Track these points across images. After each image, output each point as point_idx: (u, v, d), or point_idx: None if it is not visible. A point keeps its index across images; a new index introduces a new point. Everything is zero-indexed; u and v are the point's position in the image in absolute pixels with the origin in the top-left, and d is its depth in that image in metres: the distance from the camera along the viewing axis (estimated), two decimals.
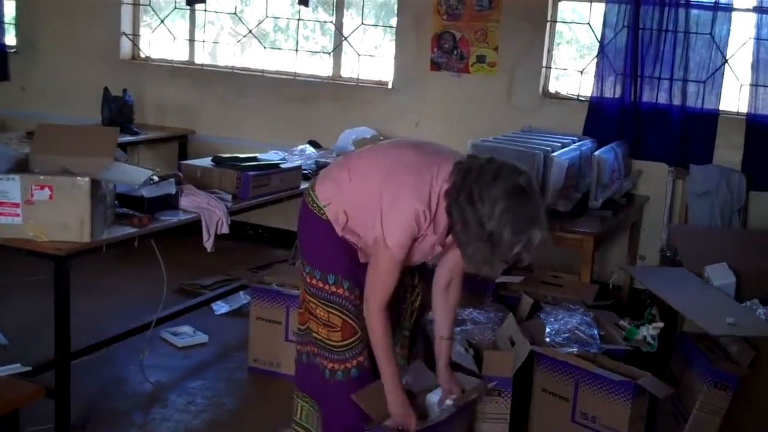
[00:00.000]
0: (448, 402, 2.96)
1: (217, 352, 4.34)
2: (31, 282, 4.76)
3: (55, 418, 3.30)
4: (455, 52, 5.67)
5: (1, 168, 3.32)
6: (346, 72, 6.15)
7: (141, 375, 3.93)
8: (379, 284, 2.72)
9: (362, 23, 6.11)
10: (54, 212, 3.20)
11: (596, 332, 3.56)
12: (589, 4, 5.45)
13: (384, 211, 2.68)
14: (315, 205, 2.85)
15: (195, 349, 4.33)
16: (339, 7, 6.11)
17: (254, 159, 4.40)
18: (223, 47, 6.60)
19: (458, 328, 3.56)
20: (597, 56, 5.30)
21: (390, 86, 5.94)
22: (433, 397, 3.00)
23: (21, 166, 3.43)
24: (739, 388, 3.43)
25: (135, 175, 3.59)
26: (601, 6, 5.29)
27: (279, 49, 6.47)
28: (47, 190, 3.21)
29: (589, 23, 5.46)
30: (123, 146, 5.67)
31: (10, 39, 7.00)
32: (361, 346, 2.83)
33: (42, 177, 3.22)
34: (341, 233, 2.80)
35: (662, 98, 5.16)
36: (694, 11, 5.06)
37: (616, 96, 5.26)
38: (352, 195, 2.78)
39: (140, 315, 4.15)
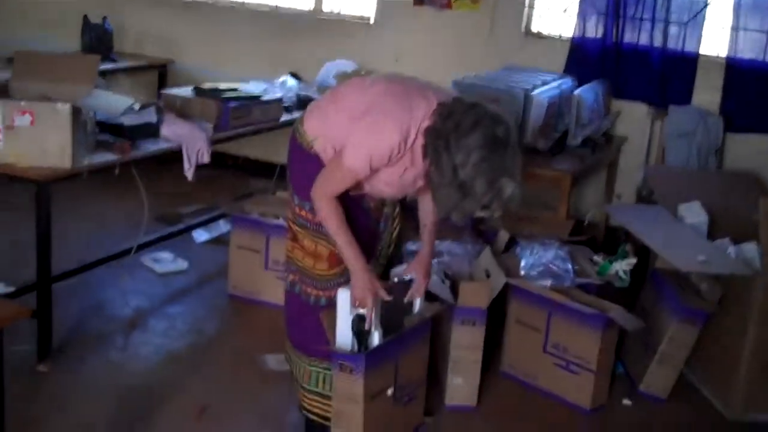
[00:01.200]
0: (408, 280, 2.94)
1: (197, 279, 4.39)
2: (12, 207, 4.77)
3: (37, 338, 3.36)
4: None
5: None
6: (327, 6, 6.10)
7: (122, 300, 3.99)
8: (328, 185, 2.72)
9: None
10: (35, 138, 3.21)
11: (570, 266, 3.63)
12: None
13: (361, 132, 2.67)
14: (303, 139, 2.87)
15: (175, 275, 4.37)
16: None
17: (235, 90, 4.40)
18: None
19: (436, 260, 3.62)
20: None
21: (372, 21, 5.91)
22: (398, 269, 3.00)
23: (1, 92, 3.43)
24: (707, 324, 3.54)
25: (116, 103, 3.60)
26: None
27: None
28: (28, 116, 3.21)
29: None
30: (102, 74, 5.63)
31: None
32: (346, 276, 2.87)
33: (23, 103, 3.23)
34: None
35: (643, 39, 5.18)
36: None
37: (598, 36, 5.27)
38: (339, 129, 2.79)
39: (122, 241, 4.18)
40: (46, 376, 3.32)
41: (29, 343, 3.36)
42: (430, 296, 3.16)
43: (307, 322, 2.93)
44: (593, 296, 3.51)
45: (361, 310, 2.77)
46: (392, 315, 2.92)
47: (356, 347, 2.79)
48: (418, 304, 3.03)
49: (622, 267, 3.73)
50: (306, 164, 2.85)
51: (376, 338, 2.83)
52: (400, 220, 3.14)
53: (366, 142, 2.67)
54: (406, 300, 2.98)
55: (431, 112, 2.65)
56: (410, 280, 2.99)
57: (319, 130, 2.84)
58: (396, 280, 3.01)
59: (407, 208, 3.12)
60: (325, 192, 2.73)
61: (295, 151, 2.92)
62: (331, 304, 2.86)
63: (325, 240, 2.86)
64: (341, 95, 2.91)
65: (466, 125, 2.53)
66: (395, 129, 2.63)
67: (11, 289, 2.68)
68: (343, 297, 2.79)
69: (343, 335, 2.81)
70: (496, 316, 3.60)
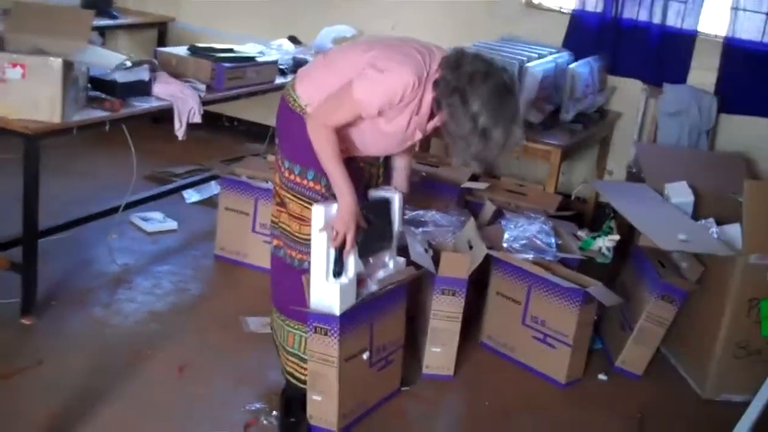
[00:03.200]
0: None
1: (185, 239, 4.42)
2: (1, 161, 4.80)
3: (22, 292, 3.40)
4: None
5: None
6: None
7: (109, 257, 4.02)
8: (331, 114, 2.73)
9: None
10: (26, 91, 3.22)
11: (553, 241, 3.66)
12: None
13: (374, 71, 2.67)
14: (296, 104, 2.88)
15: (164, 235, 4.41)
16: None
17: (231, 51, 4.39)
18: None
19: (420, 229, 3.66)
20: None
21: None
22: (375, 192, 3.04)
23: None
24: (685, 303, 3.57)
25: (108, 59, 3.60)
26: None
27: None
28: (20, 68, 3.22)
29: None
30: (101, 30, 5.64)
31: None
32: None
33: (15, 55, 3.23)
34: None
35: (643, 15, 5.15)
36: None
37: (598, 10, 5.23)
38: (333, 92, 2.81)
39: (111, 199, 4.19)
40: (29, 329, 3.37)
41: (14, 296, 3.40)
42: (410, 263, 3.20)
43: (290, 284, 2.97)
44: (574, 271, 3.55)
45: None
46: (375, 237, 2.96)
47: (333, 269, 2.82)
48: (397, 222, 3.05)
49: (605, 243, 3.77)
50: (298, 128, 2.86)
51: (351, 264, 2.87)
52: (384, 180, 3.17)
53: (380, 78, 2.68)
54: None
55: (438, 64, 2.70)
56: (386, 200, 3.04)
57: (313, 94, 2.85)
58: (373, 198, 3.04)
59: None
60: (325, 121, 2.75)
61: (286, 115, 2.94)
62: None
63: (312, 204, 2.88)
64: (334, 57, 2.93)
65: (480, 75, 2.62)
66: (410, 71, 2.67)
67: None
68: (317, 212, 2.79)
69: (319, 254, 2.82)
70: (478, 288, 3.64)
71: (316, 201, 2.85)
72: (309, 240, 2.87)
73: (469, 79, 2.61)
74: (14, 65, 3.22)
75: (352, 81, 2.70)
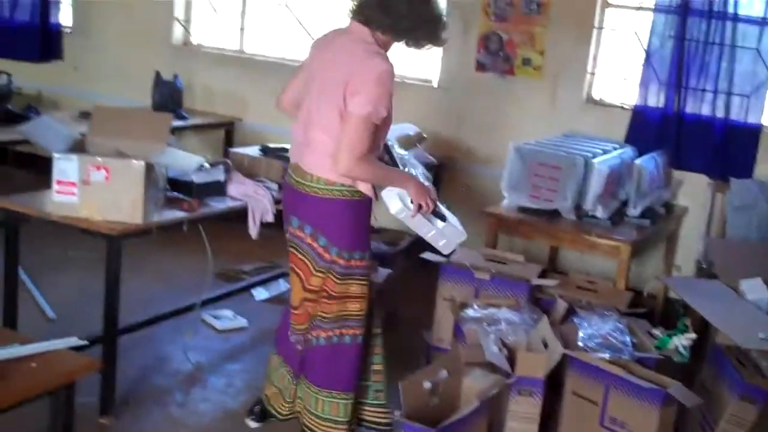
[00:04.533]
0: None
1: (255, 336, 4.45)
2: (77, 259, 4.92)
3: (101, 391, 3.44)
4: (501, 54, 5.72)
5: (60, 148, 3.46)
6: None
7: (183, 355, 4.06)
8: (355, 146, 2.95)
9: None
10: (109, 193, 3.32)
11: (629, 339, 3.61)
12: (636, 12, 5.48)
13: (356, 87, 2.95)
14: (327, 190, 3.04)
15: (234, 332, 4.45)
16: None
17: None
18: (272, 37, 6.69)
19: (493, 327, 3.64)
20: (642, 65, 5.33)
21: (435, 84, 6.01)
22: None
23: (79, 147, 3.56)
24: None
25: (188, 161, 3.71)
26: (649, 15, 5.32)
27: None
28: (103, 171, 3.33)
29: (635, 32, 5.48)
30: (172, 130, 5.80)
31: (67, 19, 7.16)
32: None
33: (99, 159, 3.35)
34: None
35: (705, 110, 5.19)
36: (741, 24, 5.06)
37: (660, 105, 5.28)
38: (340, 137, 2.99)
39: (183, 297, 4.27)
40: (107, 429, 3.40)
41: (93, 395, 3.43)
42: (487, 365, 3.20)
43: (345, 362, 3.24)
44: (652, 370, 3.49)
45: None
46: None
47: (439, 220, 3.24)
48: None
49: (681, 342, 3.71)
50: (343, 214, 3.06)
51: (451, 219, 3.28)
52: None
53: (365, 85, 2.96)
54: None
55: (369, 34, 3.07)
56: None
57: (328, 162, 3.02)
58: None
59: None
60: (355, 156, 2.95)
61: (324, 206, 3.07)
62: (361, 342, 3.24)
63: (367, 280, 3.15)
64: (312, 125, 3.11)
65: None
66: (381, 60, 3.00)
67: (84, 342, 2.75)
68: (394, 202, 3.12)
69: (421, 223, 3.21)
70: (551, 388, 3.59)
71: (363, 276, 3.08)
72: (363, 314, 3.18)
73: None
74: (98, 168, 3.33)
75: (348, 110, 2.96)
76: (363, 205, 3.15)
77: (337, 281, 3.11)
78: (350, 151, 2.94)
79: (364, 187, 3.10)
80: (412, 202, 3.14)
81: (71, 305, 4.42)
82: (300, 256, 3.16)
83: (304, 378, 3.30)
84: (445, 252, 3.40)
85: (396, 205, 3.12)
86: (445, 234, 3.27)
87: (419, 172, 3.39)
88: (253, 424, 3.52)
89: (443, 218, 3.26)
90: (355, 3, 3.12)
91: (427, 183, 3.22)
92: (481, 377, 3.40)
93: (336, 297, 3.14)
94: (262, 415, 3.53)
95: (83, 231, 3.37)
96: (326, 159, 3.04)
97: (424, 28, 3.12)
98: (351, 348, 3.20)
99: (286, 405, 3.44)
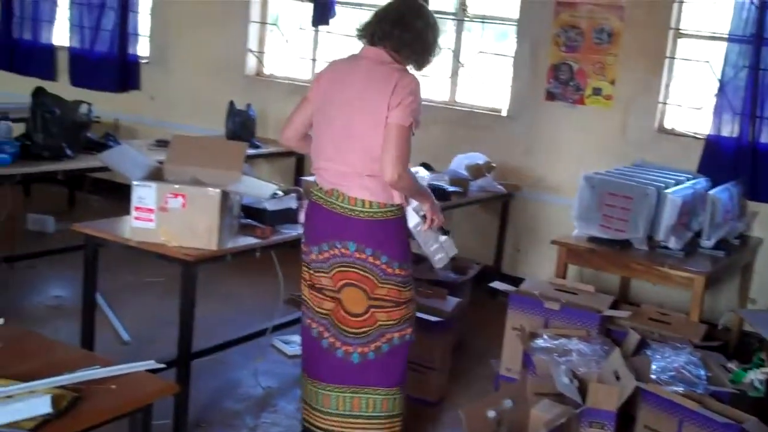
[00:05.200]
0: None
1: None
2: (152, 284, 5.02)
3: (174, 414, 3.49)
4: (571, 83, 5.71)
5: (139, 175, 3.54)
6: (461, 97, 6.25)
7: (253, 379, 4.11)
8: (402, 157, 3.12)
9: (480, 51, 6.21)
10: (185, 220, 3.39)
11: (703, 373, 3.55)
12: (709, 42, 5.42)
13: (401, 102, 3.11)
14: (381, 213, 3.21)
15: None
16: (458, 33, 6.23)
17: None
18: None
19: (563, 358, 3.61)
20: (716, 94, 5.27)
21: (504, 114, 6.02)
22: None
23: (156, 175, 3.64)
24: None
25: (262, 189, 3.76)
26: (722, 44, 5.27)
27: None
28: (180, 198, 3.40)
29: (708, 61, 5.43)
30: (246, 159, 5.91)
31: (144, 50, 7.37)
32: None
33: (176, 186, 3.41)
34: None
35: None
36: None
37: (734, 135, 5.21)
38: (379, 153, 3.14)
39: (254, 322, 4.33)
40: None
41: (166, 417, 3.48)
42: (557, 397, 3.17)
43: (403, 359, 3.37)
44: (726, 405, 3.42)
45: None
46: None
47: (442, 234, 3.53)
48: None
49: (756, 376, 3.64)
50: (394, 232, 3.25)
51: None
52: None
53: (404, 99, 3.11)
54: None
55: (389, 53, 3.24)
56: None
57: (377, 187, 3.16)
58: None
59: None
60: (404, 165, 3.12)
61: (377, 229, 3.21)
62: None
63: (405, 287, 3.31)
64: (345, 149, 3.21)
65: (411, 26, 3.25)
66: (410, 75, 3.20)
67: (162, 365, 2.82)
68: (413, 215, 3.37)
69: (427, 235, 3.46)
70: (622, 421, 3.54)
71: (406, 284, 3.29)
72: (414, 314, 3.40)
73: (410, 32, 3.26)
74: (175, 195, 3.40)
75: (391, 122, 3.10)
76: (404, 220, 3.35)
77: (402, 290, 3.30)
78: (399, 161, 3.10)
79: (400, 200, 3.26)
80: (423, 216, 3.38)
81: (145, 329, 4.52)
82: (362, 273, 3.25)
83: (359, 385, 3.34)
84: (438, 266, 3.63)
85: (414, 219, 3.36)
86: (445, 248, 3.53)
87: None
88: None
89: (446, 233, 3.57)
90: (366, 28, 3.32)
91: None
92: (549, 408, 3.37)
93: (402, 303, 3.32)
94: None
95: (160, 256, 3.44)
96: (373, 182, 3.18)
97: (433, 47, 3.34)
98: (408, 344, 3.38)
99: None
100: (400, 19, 3.25)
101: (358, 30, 3.36)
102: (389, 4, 3.35)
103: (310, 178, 4.51)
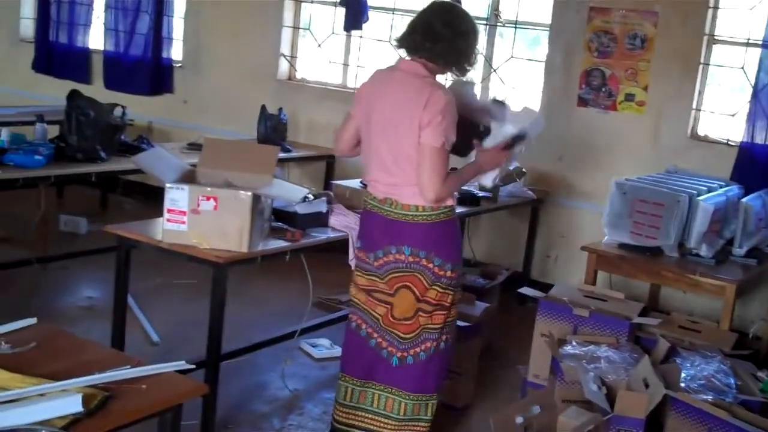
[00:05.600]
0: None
1: None
2: (182, 286, 5.07)
3: (202, 415, 3.51)
4: (603, 89, 5.69)
5: (172, 178, 3.57)
6: None
7: (281, 382, 4.14)
8: (440, 172, 3.16)
9: (512, 56, 6.20)
10: (217, 222, 3.41)
11: (733, 381, 3.52)
12: (744, 48, 5.38)
13: (431, 122, 3.12)
14: (434, 215, 3.25)
15: (331, 361, 4.49)
16: (490, 39, 6.23)
17: None
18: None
19: (592, 365, 3.60)
20: (750, 101, 5.22)
21: None
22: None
23: (189, 177, 3.67)
24: None
25: (293, 193, 3.79)
26: (756, 51, 5.22)
27: None
28: (212, 201, 3.42)
29: (743, 67, 5.38)
30: (277, 162, 5.96)
31: (177, 54, 7.45)
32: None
33: (209, 189, 3.44)
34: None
35: None
36: None
37: (767, 143, 5.16)
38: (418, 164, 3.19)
39: (282, 325, 4.35)
40: None
41: (194, 418, 3.51)
42: (586, 404, 3.16)
43: (445, 363, 3.46)
44: (756, 414, 3.38)
45: None
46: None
47: None
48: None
49: None
50: (450, 232, 3.31)
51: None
52: None
53: (434, 117, 3.12)
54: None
55: (425, 65, 3.25)
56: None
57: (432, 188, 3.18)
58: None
59: None
60: (439, 182, 3.15)
61: (423, 233, 3.26)
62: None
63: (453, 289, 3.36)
64: (391, 156, 3.26)
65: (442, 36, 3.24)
66: (442, 92, 3.17)
67: (192, 366, 2.84)
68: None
69: None
70: (651, 429, 3.52)
71: (455, 287, 3.36)
72: (456, 318, 3.48)
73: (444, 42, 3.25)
74: (208, 198, 3.43)
75: (423, 142, 3.14)
76: (457, 220, 3.40)
77: (449, 293, 3.35)
78: (434, 181, 3.16)
79: (452, 201, 3.33)
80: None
81: (174, 330, 4.56)
82: (414, 275, 3.31)
83: (394, 386, 3.40)
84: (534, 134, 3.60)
85: (488, 180, 3.59)
86: (533, 126, 3.56)
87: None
88: None
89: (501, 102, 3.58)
90: (401, 40, 3.33)
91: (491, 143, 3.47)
92: (577, 414, 3.37)
93: (447, 307, 3.37)
94: None
95: (191, 258, 3.47)
96: (413, 191, 3.25)
97: (468, 54, 3.33)
98: (445, 352, 3.42)
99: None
100: (430, 30, 3.23)
101: (396, 41, 3.36)
102: (421, 13, 3.33)
103: (342, 182, 4.57)
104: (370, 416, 3.42)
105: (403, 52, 3.33)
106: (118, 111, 5.19)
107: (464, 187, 5.09)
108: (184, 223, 3.44)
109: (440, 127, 3.12)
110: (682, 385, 3.50)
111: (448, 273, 3.31)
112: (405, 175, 3.23)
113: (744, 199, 4.65)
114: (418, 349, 3.35)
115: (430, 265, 3.28)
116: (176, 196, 3.43)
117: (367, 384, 3.42)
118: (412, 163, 3.20)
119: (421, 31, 3.24)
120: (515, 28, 6.20)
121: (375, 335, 3.40)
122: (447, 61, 3.28)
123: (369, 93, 3.36)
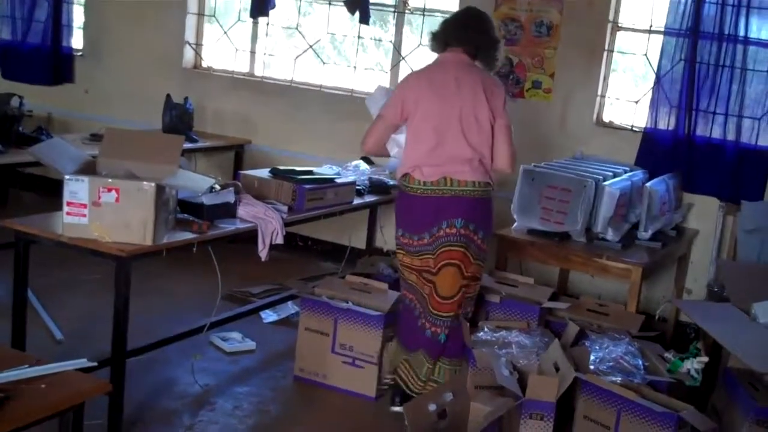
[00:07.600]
0: None
1: (263, 359, 4.43)
2: (86, 281, 4.92)
3: (109, 413, 3.41)
4: (511, 77, 5.73)
5: (71, 169, 3.45)
6: None
7: (191, 377, 4.04)
8: (512, 144, 3.87)
9: (421, 44, 6.19)
10: (119, 215, 3.31)
11: (641, 363, 3.59)
12: (646, 35, 5.48)
13: (498, 105, 3.81)
14: (484, 191, 3.76)
15: (243, 355, 4.43)
16: (398, 27, 6.21)
17: (310, 172, 4.50)
18: (281, 61, 6.72)
19: (503, 351, 3.62)
20: (653, 87, 5.32)
21: None
22: None
23: (89, 169, 3.55)
24: None
25: (198, 183, 3.69)
26: (659, 38, 5.33)
27: (336, 64, 6.57)
28: (114, 192, 3.32)
29: (645, 54, 5.49)
30: (182, 152, 5.82)
31: (78, 42, 7.21)
32: None
33: (110, 180, 3.33)
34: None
35: (716, 132, 5.17)
36: (752, 48, 5.06)
37: (670, 128, 5.27)
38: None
39: (192, 319, 4.26)
40: None
41: (100, 417, 3.40)
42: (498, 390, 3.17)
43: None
44: (664, 394, 3.46)
45: None
46: None
47: None
48: None
49: (693, 365, 3.68)
50: (487, 207, 3.81)
51: None
52: None
53: (502, 101, 3.81)
54: None
55: (462, 54, 3.89)
56: None
57: (480, 166, 3.76)
58: None
59: None
60: (515, 155, 3.86)
61: (481, 206, 3.76)
62: None
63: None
64: (454, 142, 3.74)
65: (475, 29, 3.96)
66: (496, 77, 3.99)
67: (94, 363, 2.74)
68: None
69: None
70: (562, 411, 3.56)
71: (485, 261, 3.87)
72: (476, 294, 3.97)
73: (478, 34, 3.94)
74: (109, 189, 3.32)
75: (500, 123, 3.79)
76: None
77: (482, 266, 3.86)
78: (514, 154, 3.83)
79: (495, 179, 3.85)
80: None
81: (79, 327, 4.41)
82: (463, 250, 3.72)
83: (446, 358, 3.84)
84: None
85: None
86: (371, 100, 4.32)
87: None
88: (398, 408, 3.84)
89: None
90: (438, 36, 3.97)
91: None
92: (489, 400, 3.39)
93: (478, 279, 3.87)
94: (405, 397, 3.86)
95: (93, 252, 3.36)
96: (480, 166, 3.75)
97: (497, 48, 3.95)
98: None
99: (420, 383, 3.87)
100: (474, 24, 3.93)
101: (431, 37, 4.00)
102: (457, 14, 4.08)
103: (251, 172, 4.48)
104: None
105: (436, 51, 3.95)
106: (15, 101, 5.00)
107: (375, 176, 5.09)
108: (84, 216, 3.33)
109: (505, 109, 3.80)
110: (592, 367, 3.55)
111: (485, 247, 3.81)
112: (469, 155, 3.71)
113: (648, 184, 4.74)
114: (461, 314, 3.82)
115: (475, 238, 3.73)
116: (76, 188, 3.31)
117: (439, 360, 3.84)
118: (477, 146, 3.72)
119: (474, 26, 3.89)
120: (423, 15, 6.19)
121: (422, 318, 3.82)
122: (487, 54, 3.90)
123: (416, 94, 3.80)
